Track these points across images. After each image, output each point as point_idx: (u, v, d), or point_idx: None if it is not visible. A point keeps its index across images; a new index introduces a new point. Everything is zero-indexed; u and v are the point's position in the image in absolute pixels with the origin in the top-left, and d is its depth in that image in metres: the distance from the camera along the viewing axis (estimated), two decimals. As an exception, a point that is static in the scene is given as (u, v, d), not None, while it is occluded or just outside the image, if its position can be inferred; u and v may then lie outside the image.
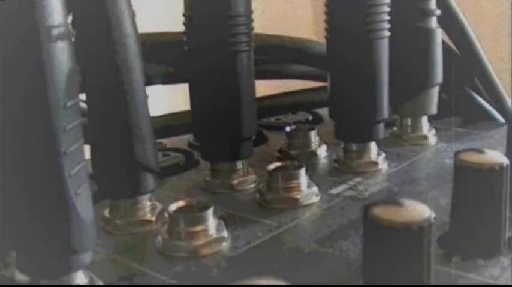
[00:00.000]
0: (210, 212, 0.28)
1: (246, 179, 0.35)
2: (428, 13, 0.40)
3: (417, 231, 0.20)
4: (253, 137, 0.35)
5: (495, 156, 0.25)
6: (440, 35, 0.41)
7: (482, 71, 0.45)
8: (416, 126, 0.42)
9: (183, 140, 0.43)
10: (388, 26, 0.35)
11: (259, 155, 0.38)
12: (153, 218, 0.30)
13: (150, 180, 0.30)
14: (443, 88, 0.43)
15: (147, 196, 0.30)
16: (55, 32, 0.21)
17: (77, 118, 0.22)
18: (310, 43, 0.45)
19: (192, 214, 0.28)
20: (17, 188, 0.22)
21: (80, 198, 0.22)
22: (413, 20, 0.40)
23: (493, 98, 0.46)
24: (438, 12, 0.41)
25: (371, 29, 0.34)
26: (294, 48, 0.45)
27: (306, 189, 0.32)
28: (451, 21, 0.43)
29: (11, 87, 0.21)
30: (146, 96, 0.29)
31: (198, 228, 0.27)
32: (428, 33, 0.40)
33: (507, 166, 0.25)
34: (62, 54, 0.21)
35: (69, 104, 0.21)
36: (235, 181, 0.34)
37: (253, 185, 0.35)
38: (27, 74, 0.21)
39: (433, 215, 0.21)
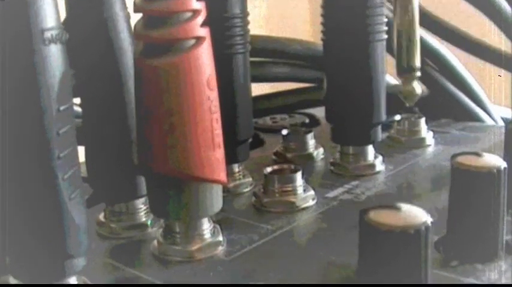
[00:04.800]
0: (205, 216, 0.27)
1: (242, 182, 0.35)
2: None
3: (414, 235, 0.20)
4: (250, 140, 0.35)
5: (493, 159, 0.25)
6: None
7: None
8: (413, 129, 0.41)
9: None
10: (385, 28, 0.35)
11: (255, 158, 0.38)
12: (148, 222, 0.30)
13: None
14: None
15: (143, 199, 0.30)
16: (48, 34, 0.21)
17: (70, 122, 0.22)
18: (310, 44, 0.45)
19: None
20: (9, 193, 0.21)
21: (73, 202, 0.22)
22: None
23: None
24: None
25: (369, 31, 0.34)
26: (292, 49, 0.45)
27: (302, 192, 0.32)
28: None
29: (3, 91, 0.20)
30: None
31: (194, 232, 0.27)
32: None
33: (505, 169, 0.24)
34: (55, 57, 0.21)
35: (62, 108, 0.21)
36: (231, 184, 0.34)
37: (249, 189, 0.35)
38: (20, 78, 0.20)
39: (430, 219, 0.21)
